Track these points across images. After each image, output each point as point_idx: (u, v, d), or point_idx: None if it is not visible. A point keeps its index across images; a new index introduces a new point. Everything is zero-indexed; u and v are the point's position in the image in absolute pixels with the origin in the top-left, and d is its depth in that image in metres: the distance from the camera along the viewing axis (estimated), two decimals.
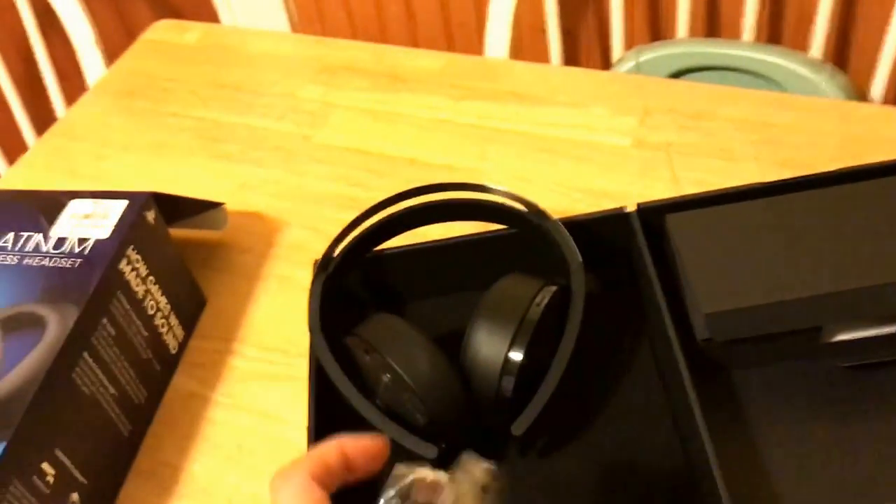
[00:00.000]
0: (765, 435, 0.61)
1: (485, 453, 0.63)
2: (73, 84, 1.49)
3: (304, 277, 0.81)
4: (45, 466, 0.59)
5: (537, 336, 0.60)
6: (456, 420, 0.60)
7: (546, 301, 0.60)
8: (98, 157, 0.99)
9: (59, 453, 0.60)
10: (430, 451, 0.57)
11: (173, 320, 0.75)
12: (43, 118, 1.48)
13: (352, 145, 0.94)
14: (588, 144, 0.87)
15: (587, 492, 0.61)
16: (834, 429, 0.61)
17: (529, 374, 0.60)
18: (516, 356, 0.59)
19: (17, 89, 1.49)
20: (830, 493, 0.58)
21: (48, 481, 0.59)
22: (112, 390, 0.66)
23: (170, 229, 0.75)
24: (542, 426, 0.58)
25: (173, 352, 0.75)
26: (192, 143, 0.98)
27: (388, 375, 0.59)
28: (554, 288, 0.62)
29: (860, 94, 1.14)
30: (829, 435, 0.61)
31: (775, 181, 0.68)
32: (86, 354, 0.63)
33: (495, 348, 0.59)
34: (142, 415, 0.71)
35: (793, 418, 0.62)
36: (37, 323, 0.62)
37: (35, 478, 0.58)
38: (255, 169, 0.94)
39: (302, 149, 0.95)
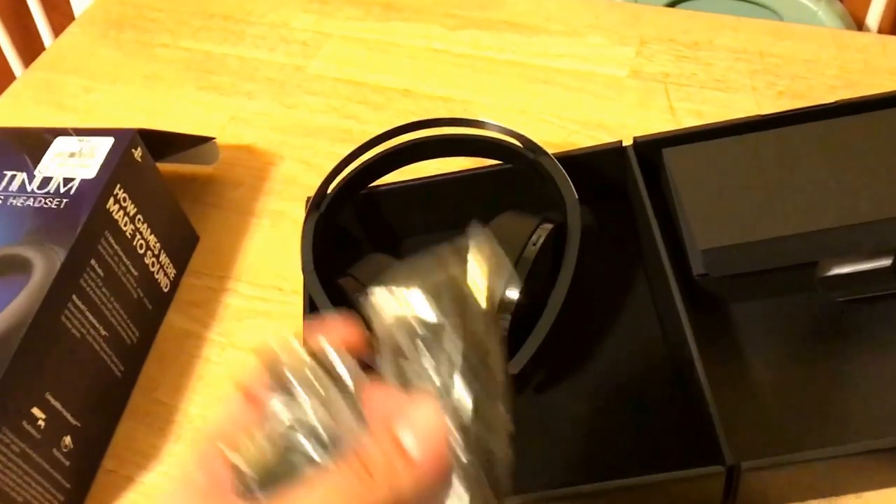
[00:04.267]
0: (759, 367, 0.60)
1: None
2: (61, 13, 1.45)
3: (297, 212, 0.79)
4: (36, 411, 0.57)
5: (533, 274, 0.58)
6: None
7: (542, 240, 0.59)
8: (86, 90, 0.96)
9: (50, 397, 0.58)
10: None
11: (164, 258, 0.72)
12: (30, 48, 1.44)
13: (345, 76, 0.91)
14: (584, 75, 0.85)
15: (584, 427, 0.60)
16: (829, 361, 0.60)
17: (526, 313, 0.58)
18: (512, 295, 0.57)
19: (2, 19, 1.44)
20: (822, 424, 0.57)
21: (39, 426, 0.57)
22: (103, 332, 0.64)
23: (159, 164, 0.72)
24: (539, 364, 0.57)
25: (165, 290, 0.73)
26: (181, 75, 0.95)
27: None
28: (550, 226, 0.60)
29: (857, 22, 1.10)
30: (824, 367, 0.60)
31: (773, 114, 0.66)
32: (74, 297, 0.61)
33: None
34: (134, 355, 0.69)
35: (787, 351, 0.61)
36: (23, 266, 0.59)
37: (25, 423, 0.56)
38: (247, 101, 0.91)
39: (294, 80, 0.92)
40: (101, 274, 0.63)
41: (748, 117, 0.66)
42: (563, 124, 0.81)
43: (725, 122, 0.66)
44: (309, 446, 0.32)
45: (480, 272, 0.34)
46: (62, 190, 0.64)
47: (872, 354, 0.60)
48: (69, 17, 1.26)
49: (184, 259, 0.76)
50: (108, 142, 0.67)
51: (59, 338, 0.59)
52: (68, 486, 0.61)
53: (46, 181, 0.65)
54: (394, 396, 0.33)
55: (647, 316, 0.65)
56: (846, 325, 0.61)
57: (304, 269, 0.62)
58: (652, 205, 0.62)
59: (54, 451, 0.59)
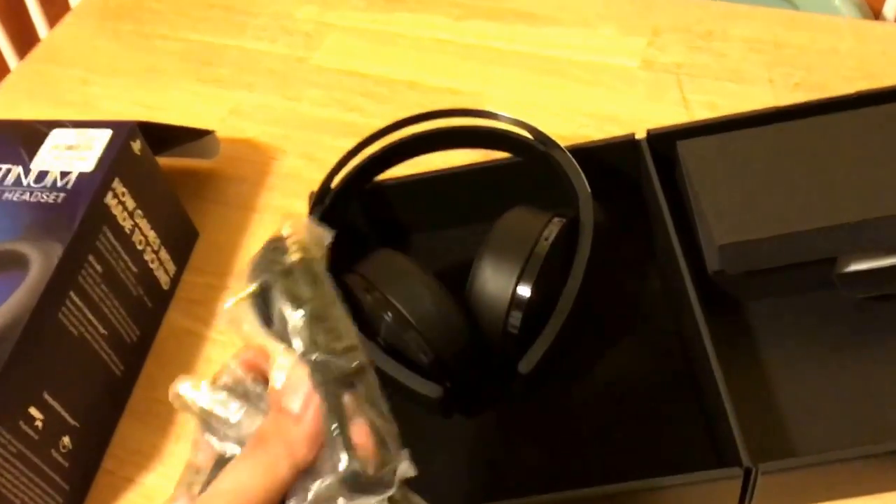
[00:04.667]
0: (777, 367, 0.60)
1: (491, 391, 0.62)
2: (57, 2, 1.44)
3: (300, 208, 0.78)
4: (33, 411, 0.56)
5: (545, 270, 0.58)
6: (461, 358, 0.58)
7: (554, 235, 0.58)
8: (83, 82, 0.95)
9: (48, 396, 0.58)
10: (435, 390, 0.55)
11: (164, 255, 0.72)
12: (25, 39, 1.43)
13: (349, 68, 0.90)
14: (595, 66, 0.84)
15: (596, 428, 0.60)
16: (847, 361, 0.59)
17: (537, 310, 0.57)
18: (524, 291, 0.57)
19: None
20: (842, 425, 0.56)
21: (37, 426, 0.57)
22: (102, 329, 0.63)
23: (158, 159, 0.72)
24: (551, 362, 0.56)
25: (165, 287, 0.73)
26: (181, 67, 0.94)
27: (390, 314, 0.56)
28: (562, 221, 0.59)
29: (875, 11, 1.10)
30: (842, 367, 0.59)
31: (789, 105, 0.65)
32: (72, 293, 0.60)
33: (502, 284, 0.57)
34: (134, 354, 0.69)
35: (805, 350, 0.60)
36: (19, 262, 0.59)
37: (22, 423, 0.56)
38: (248, 94, 0.90)
39: (296, 72, 0.91)
40: (100, 270, 0.63)
41: (764, 109, 0.65)
42: (572, 117, 0.80)
43: (741, 114, 0.65)
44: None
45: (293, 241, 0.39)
46: (59, 184, 0.63)
47: (893, 353, 0.59)
48: (65, 7, 1.25)
49: (184, 256, 0.76)
50: (106, 134, 0.66)
51: (56, 336, 0.59)
52: (67, 487, 0.61)
53: (43, 175, 0.65)
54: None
55: (662, 314, 0.64)
56: (866, 323, 0.61)
57: None
58: (666, 199, 0.62)
59: (53, 451, 0.59)
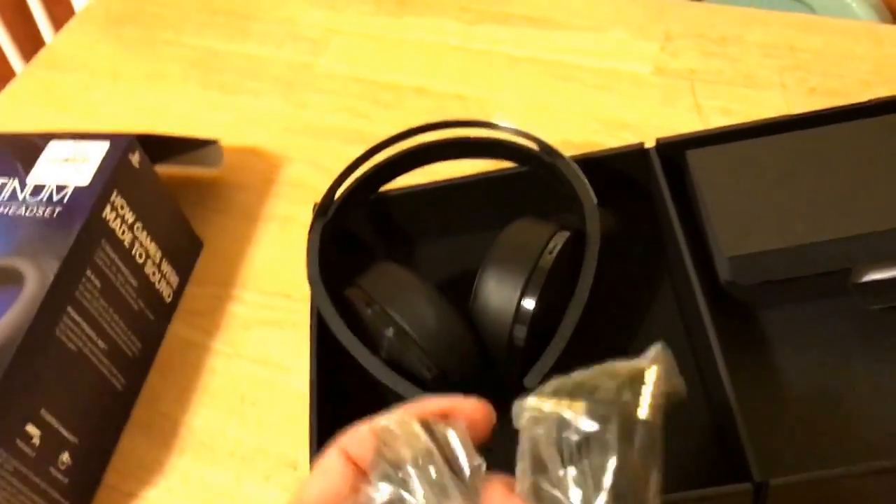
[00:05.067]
0: (789, 378, 0.59)
1: (495, 406, 0.62)
2: (63, 6, 1.45)
3: (306, 217, 0.77)
4: (30, 428, 0.57)
5: (550, 283, 0.57)
6: (464, 373, 0.57)
7: (559, 247, 0.58)
8: (86, 88, 0.96)
9: (46, 413, 0.58)
10: None
11: (166, 267, 0.72)
12: (31, 43, 1.43)
13: (356, 74, 0.90)
14: (606, 72, 0.84)
15: None
16: (862, 372, 0.59)
17: (543, 323, 0.57)
18: (528, 304, 0.57)
19: (1, 12, 1.44)
20: (856, 438, 0.56)
21: (34, 443, 0.57)
22: (101, 344, 0.64)
23: (162, 167, 0.72)
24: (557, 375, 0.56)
25: (168, 300, 0.73)
26: (185, 73, 0.95)
27: (391, 329, 0.56)
28: (567, 234, 0.59)
29: (893, 15, 1.09)
30: (856, 378, 0.58)
31: (803, 113, 0.65)
32: (70, 309, 0.60)
33: (506, 297, 0.57)
34: (136, 367, 0.69)
35: (819, 361, 0.60)
36: (14, 278, 0.59)
37: (18, 441, 0.56)
38: (253, 100, 0.90)
39: (303, 78, 0.91)
40: (98, 285, 0.63)
41: (777, 117, 0.65)
42: (584, 123, 0.80)
43: (753, 122, 0.65)
44: None
45: (652, 401, 0.34)
46: (55, 198, 0.64)
47: None
48: (70, 11, 1.26)
49: (187, 267, 0.76)
50: (104, 146, 0.67)
51: (54, 352, 0.59)
52: (67, 503, 0.61)
53: (39, 189, 0.65)
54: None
55: (673, 325, 0.64)
56: (881, 333, 0.60)
57: (310, 280, 0.61)
58: (676, 209, 0.61)
59: (51, 468, 0.59)
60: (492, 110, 0.82)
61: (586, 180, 0.61)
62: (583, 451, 0.32)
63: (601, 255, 0.58)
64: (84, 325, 0.62)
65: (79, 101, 0.94)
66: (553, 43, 0.88)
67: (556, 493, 0.31)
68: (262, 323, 0.72)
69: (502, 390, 0.61)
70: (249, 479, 0.63)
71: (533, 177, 0.67)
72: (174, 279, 0.73)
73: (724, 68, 0.81)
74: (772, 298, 0.62)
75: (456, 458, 0.33)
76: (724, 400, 0.53)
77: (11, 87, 0.99)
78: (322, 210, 0.65)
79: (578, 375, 0.34)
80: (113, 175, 0.65)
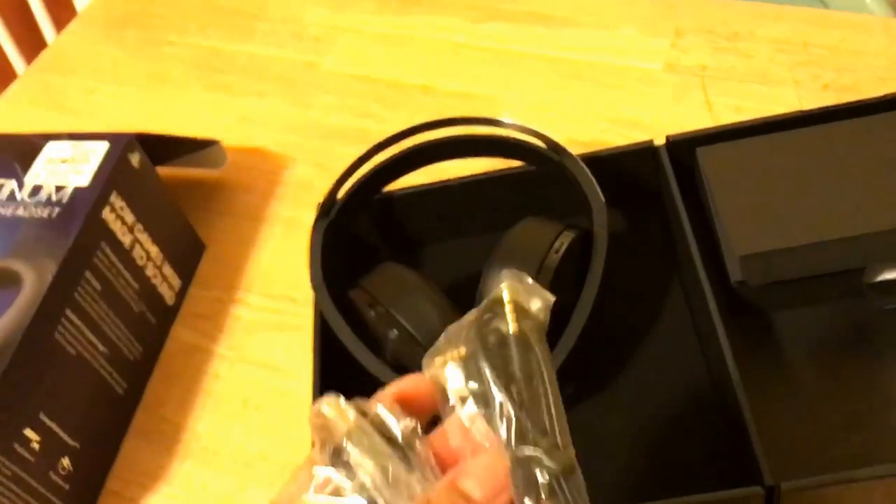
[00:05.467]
0: (801, 380, 0.59)
1: None
2: (64, 8, 1.45)
3: (311, 218, 0.77)
4: (28, 432, 0.57)
5: (556, 284, 0.57)
6: None
7: (565, 247, 0.58)
8: (87, 91, 0.96)
9: (44, 417, 0.58)
10: None
11: (168, 270, 0.72)
12: (32, 44, 1.44)
13: (360, 73, 0.90)
14: (616, 69, 0.83)
15: (613, 446, 0.59)
16: (876, 374, 0.58)
17: (550, 325, 0.57)
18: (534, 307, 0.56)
19: (3, 13, 1.45)
20: (869, 441, 0.56)
21: (33, 448, 0.57)
22: (102, 348, 0.64)
23: (164, 168, 0.72)
24: (566, 378, 0.55)
25: (170, 303, 0.73)
26: (188, 74, 0.95)
27: (395, 331, 0.56)
28: (573, 233, 0.59)
29: None
30: (870, 380, 0.58)
31: (816, 109, 0.64)
32: (68, 311, 0.60)
33: None
34: (138, 371, 0.69)
35: (832, 363, 0.59)
36: (12, 280, 0.59)
37: (16, 445, 0.56)
38: (257, 101, 0.90)
39: (307, 78, 0.91)
40: (98, 288, 0.63)
41: (789, 113, 0.64)
42: (593, 122, 0.79)
43: (764, 118, 0.64)
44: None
45: (513, 315, 0.36)
46: (54, 198, 0.64)
47: None
48: (73, 12, 1.26)
49: (190, 269, 0.76)
50: (103, 147, 0.67)
51: (52, 355, 0.59)
52: None
53: (37, 189, 0.65)
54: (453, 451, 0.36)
55: (683, 326, 0.63)
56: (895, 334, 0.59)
57: (312, 283, 0.61)
58: (686, 208, 0.61)
59: (51, 473, 0.59)
60: (499, 109, 0.82)
61: (594, 179, 0.61)
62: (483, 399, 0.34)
63: (609, 256, 0.58)
64: (83, 328, 0.62)
65: (80, 104, 0.95)
66: (561, 40, 0.87)
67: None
68: (265, 327, 0.72)
69: None
70: (253, 486, 0.63)
71: (540, 176, 0.66)
72: (176, 282, 0.73)
73: (735, 64, 0.80)
74: (783, 300, 0.61)
75: (386, 426, 0.35)
76: (735, 402, 0.52)
77: (12, 88, 0.99)
78: (324, 211, 0.65)
79: (461, 323, 0.37)
80: (112, 175, 0.65)
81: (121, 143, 0.67)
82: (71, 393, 0.61)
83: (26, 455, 0.57)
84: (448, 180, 0.69)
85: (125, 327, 0.66)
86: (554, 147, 0.63)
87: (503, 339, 0.35)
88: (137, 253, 0.68)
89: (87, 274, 0.62)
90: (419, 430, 0.35)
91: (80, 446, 0.62)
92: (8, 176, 0.66)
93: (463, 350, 0.35)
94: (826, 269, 0.58)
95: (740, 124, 0.65)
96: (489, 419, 0.34)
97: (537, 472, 0.32)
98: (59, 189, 0.64)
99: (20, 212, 0.64)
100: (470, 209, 0.70)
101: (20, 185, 0.66)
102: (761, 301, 0.62)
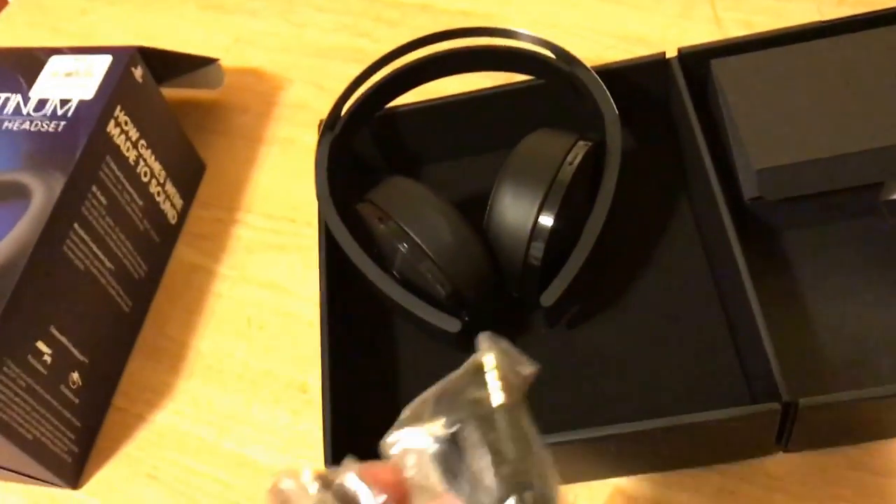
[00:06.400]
0: (815, 299, 0.59)
1: (511, 325, 0.63)
2: None
3: (309, 139, 0.78)
4: (41, 345, 0.57)
5: (569, 198, 0.57)
6: (480, 291, 0.57)
7: (579, 159, 0.57)
8: (82, 12, 0.95)
9: (55, 331, 0.59)
10: (453, 324, 0.55)
11: (170, 188, 0.72)
12: None
13: None
14: None
15: (622, 365, 0.60)
16: (891, 293, 0.58)
17: (560, 240, 0.57)
18: (546, 220, 0.56)
19: None
20: (886, 356, 0.56)
21: (45, 361, 0.58)
22: (108, 264, 0.64)
23: (162, 89, 0.72)
24: (574, 295, 0.56)
25: (173, 222, 0.73)
26: None
27: (405, 244, 0.56)
28: (588, 144, 0.58)
29: None
30: (885, 299, 0.58)
31: (834, 20, 0.64)
32: (76, 226, 0.60)
33: (523, 212, 0.56)
34: (143, 290, 0.69)
35: (846, 281, 0.59)
36: (21, 192, 0.59)
37: (30, 357, 0.56)
38: (252, 20, 0.90)
39: None
40: (104, 202, 0.63)
41: (806, 24, 0.64)
42: (597, 38, 0.79)
43: (780, 30, 0.64)
44: None
45: (501, 384, 0.34)
46: (59, 112, 0.64)
47: None
48: None
49: (191, 189, 0.76)
50: (107, 60, 0.66)
51: (62, 269, 0.59)
52: (78, 424, 0.62)
53: (42, 103, 0.65)
54: None
55: (692, 245, 0.64)
56: None
57: (318, 195, 0.61)
58: (699, 122, 0.61)
59: (62, 387, 0.60)
60: (500, 25, 0.81)
61: (607, 90, 0.61)
62: (460, 462, 0.32)
63: (621, 170, 0.58)
64: (91, 242, 0.62)
65: (74, 25, 0.94)
66: None
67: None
68: (266, 247, 0.73)
69: (519, 308, 0.61)
70: (258, 402, 0.64)
71: (549, 90, 0.66)
72: (178, 201, 0.74)
73: None
74: (798, 218, 0.61)
75: (351, 500, 0.32)
76: (751, 320, 0.52)
77: (6, 11, 0.98)
78: (329, 125, 0.64)
79: (425, 396, 0.34)
80: (116, 89, 0.65)
81: (124, 57, 0.66)
82: (80, 308, 0.61)
83: (39, 367, 0.57)
84: (453, 95, 0.68)
85: (130, 244, 0.67)
86: (565, 57, 0.63)
87: (489, 413, 0.33)
88: (141, 169, 0.68)
89: (94, 188, 0.62)
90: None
91: (89, 361, 0.63)
92: (13, 90, 0.66)
93: (442, 422, 0.33)
94: (844, 185, 0.57)
95: (755, 35, 0.64)
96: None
97: None
98: (64, 103, 0.64)
99: (27, 125, 0.63)
100: (476, 126, 0.70)
101: (25, 100, 0.65)
102: (775, 219, 0.62)
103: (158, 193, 0.70)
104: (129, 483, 0.62)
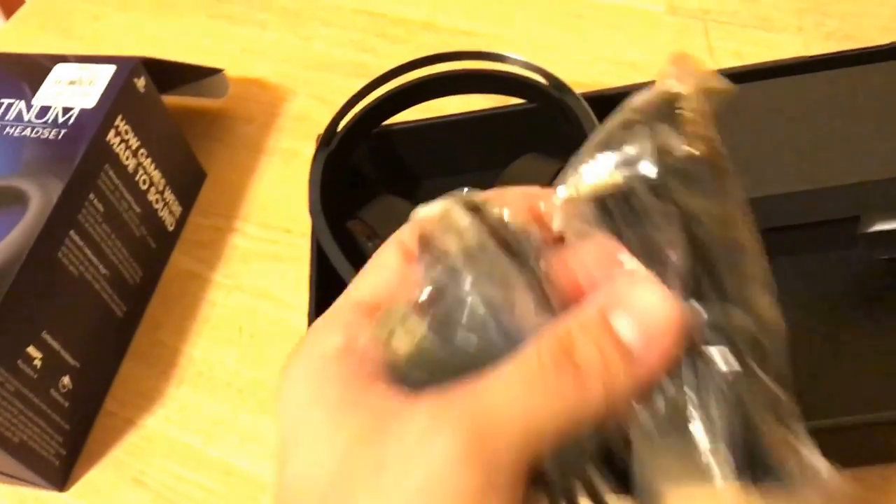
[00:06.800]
0: (794, 327, 0.58)
1: None
2: None
3: (309, 151, 0.77)
4: (32, 350, 0.58)
5: None
6: None
7: None
8: (93, 17, 0.96)
9: (47, 336, 0.59)
10: None
11: (169, 195, 0.72)
12: None
13: (363, 6, 0.90)
14: (618, 10, 0.83)
15: None
16: (867, 324, 0.59)
17: None
18: None
19: None
20: (861, 387, 0.56)
21: (35, 365, 0.58)
22: (103, 270, 0.64)
23: (166, 97, 0.72)
24: None
25: (170, 228, 0.73)
26: (192, 3, 0.94)
27: None
28: None
29: None
30: (861, 330, 0.58)
31: (818, 55, 0.64)
32: (72, 233, 0.61)
33: None
34: (137, 295, 0.70)
35: (823, 312, 0.59)
36: (18, 198, 0.59)
37: (20, 362, 0.57)
38: (259, 31, 0.90)
39: (309, 10, 0.91)
40: (101, 209, 0.64)
41: (791, 59, 0.64)
42: (594, 63, 0.79)
43: (766, 63, 0.64)
44: (480, 335, 0.26)
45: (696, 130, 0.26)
46: (60, 120, 0.64)
47: None
48: None
49: (190, 197, 0.77)
50: (110, 70, 0.67)
51: (55, 275, 0.60)
52: (67, 427, 0.62)
53: (44, 110, 0.65)
54: (604, 268, 0.27)
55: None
56: (888, 285, 0.60)
57: (311, 211, 0.61)
58: None
59: (52, 391, 0.60)
60: (500, 47, 0.81)
61: (595, 118, 0.61)
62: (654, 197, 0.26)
63: None
64: (86, 249, 0.62)
65: (86, 30, 0.94)
66: None
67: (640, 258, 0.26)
68: (262, 256, 0.73)
69: None
70: (246, 411, 0.65)
71: (540, 114, 0.66)
72: (177, 208, 0.74)
73: (738, 9, 0.80)
74: (778, 248, 0.62)
75: (514, 238, 0.27)
76: None
77: (20, 13, 0.99)
78: (325, 141, 0.65)
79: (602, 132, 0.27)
80: (118, 98, 0.65)
81: (127, 67, 0.67)
82: (73, 313, 0.62)
83: (29, 372, 0.58)
84: (448, 115, 0.69)
85: (126, 250, 0.67)
86: (556, 84, 0.63)
87: (683, 162, 0.26)
88: (140, 177, 0.68)
89: (91, 196, 0.63)
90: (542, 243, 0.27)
91: (81, 366, 0.63)
92: (17, 96, 0.67)
93: (619, 176, 0.26)
94: (822, 217, 0.58)
95: (742, 68, 0.65)
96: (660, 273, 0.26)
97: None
98: (66, 111, 0.65)
99: (28, 132, 0.64)
100: (469, 145, 0.70)
101: (28, 106, 0.66)
102: None
103: (157, 201, 0.71)
104: (116, 487, 0.63)
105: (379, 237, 0.57)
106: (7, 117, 0.65)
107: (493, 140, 0.69)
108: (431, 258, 0.27)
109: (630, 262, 0.26)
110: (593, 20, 0.83)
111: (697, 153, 0.26)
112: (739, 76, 0.64)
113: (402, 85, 0.67)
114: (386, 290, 0.29)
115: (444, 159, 0.71)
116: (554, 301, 0.27)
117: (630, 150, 0.26)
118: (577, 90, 0.64)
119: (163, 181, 0.71)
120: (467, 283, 0.26)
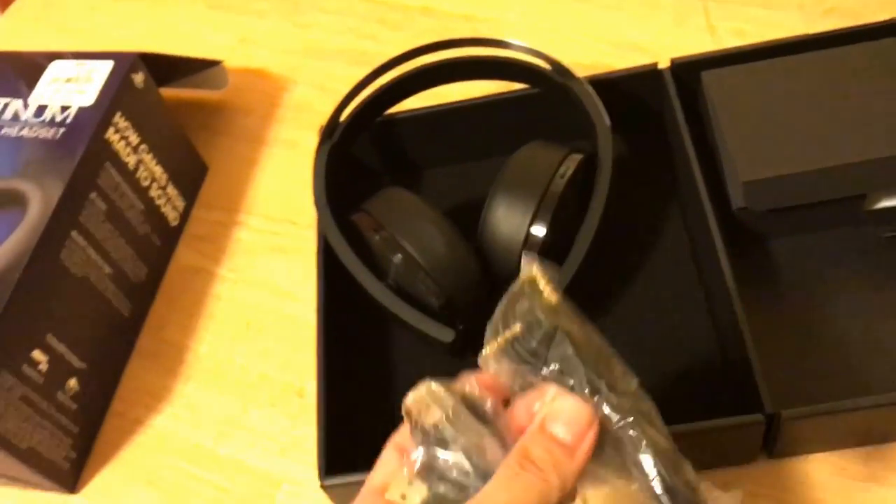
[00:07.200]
0: (801, 307, 0.58)
1: None
2: None
3: (311, 141, 0.76)
4: (37, 354, 0.56)
5: (561, 209, 0.57)
6: (473, 301, 0.57)
7: (570, 171, 0.57)
8: (90, 10, 0.94)
9: (52, 339, 0.58)
10: (447, 334, 0.54)
11: (171, 190, 0.71)
12: None
13: None
14: None
15: None
16: (874, 302, 0.58)
17: (553, 250, 0.56)
18: (538, 231, 0.56)
19: None
20: (868, 369, 0.55)
21: (41, 369, 0.57)
22: (107, 269, 0.63)
23: (165, 90, 0.71)
24: None
25: (174, 224, 0.72)
26: None
27: (399, 255, 0.55)
28: (579, 157, 0.58)
29: None
30: (869, 308, 0.58)
31: (821, 33, 0.63)
32: (74, 233, 0.59)
33: (516, 224, 0.56)
34: (142, 293, 0.68)
35: (831, 291, 0.59)
36: (18, 200, 0.58)
37: (26, 366, 0.56)
38: (257, 21, 0.89)
39: None
40: (103, 208, 0.62)
41: (794, 37, 0.63)
42: (594, 44, 0.78)
43: (769, 42, 0.63)
44: (466, 479, 0.36)
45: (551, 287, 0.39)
46: (58, 119, 0.63)
47: None
48: None
49: (193, 191, 0.75)
50: (108, 66, 0.65)
51: (58, 277, 0.59)
52: (76, 429, 0.61)
53: (42, 109, 0.64)
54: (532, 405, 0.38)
55: (682, 253, 0.63)
56: (894, 262, 0.59)
57: (316, 204, 0.60)
58: (690, 132, 0.60)
59: (59, 394, 0.59)
60: (500, 31, 0.80)
61: (599, 101, 0.60)
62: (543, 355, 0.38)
63: (613, 181, 0.57)
64: (89, 249, 0.61)
65: (82, 23, 0.93)
66: None
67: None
68: (267, 249, 0.72)
69: None
70: (255, 407, 0.64)
71: (543, 99, 0.65)
72: (180, 203, 0.73)
73: None
74: (784, 227, 0.61)
75: (478, 404, 0.37)
76: (736, 330, 0.52)
77: (13, 7, 0.97)
78: (328, 133, 0.64)
79: (494, 318, 0.39)
80: (116, 95, 0.64)
81: (125, 63, 0.65)
82: (77, 315, 0.61)
83: (35, 376, 0.56)
84: (451, 103, 0.68)
85: (130, 248, 0.66)
86: (559, 69, 0.62)
87: (554, 307, 0.38)
88: (142, 174, 0.67)
89: (93, 195, 0.61)
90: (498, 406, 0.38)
91: (87, 367, 0.62)
92: (13, 95, 0.65)
93: (517, 328, 0.38)
94: (828, 196, 0.57)
95: (745, 47, 0.63)
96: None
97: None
98: (63, 109, 0.63)
99: (25, 132, 0.62)
100: (473, 133, 0.69)
101: (25, 105, 0.64)
102: (762, 228, 0.61)
103: (159, 196, 0.69)
104: (127, 487, 0.62)
105: (385, 229, 0.56)
106: (3, 117, 0.64)
107: (497, 126, 0.68)
108: (417, 432, 0.37)
109: (550, 387, 0.37)
110: (592, 2, 0.81)
111: (556, 302, 0.39)
112: (741, 55, 0.63)
113: (404, 73, 0.65)
114: (390, 477, 0.38)
115: (448, 147, 0.70)
116: (510, 442, 0.37)
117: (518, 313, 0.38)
118: (580, 72, 0.63)
119: (164, 176, 0.70)
120: (453, 445, 0.36)
